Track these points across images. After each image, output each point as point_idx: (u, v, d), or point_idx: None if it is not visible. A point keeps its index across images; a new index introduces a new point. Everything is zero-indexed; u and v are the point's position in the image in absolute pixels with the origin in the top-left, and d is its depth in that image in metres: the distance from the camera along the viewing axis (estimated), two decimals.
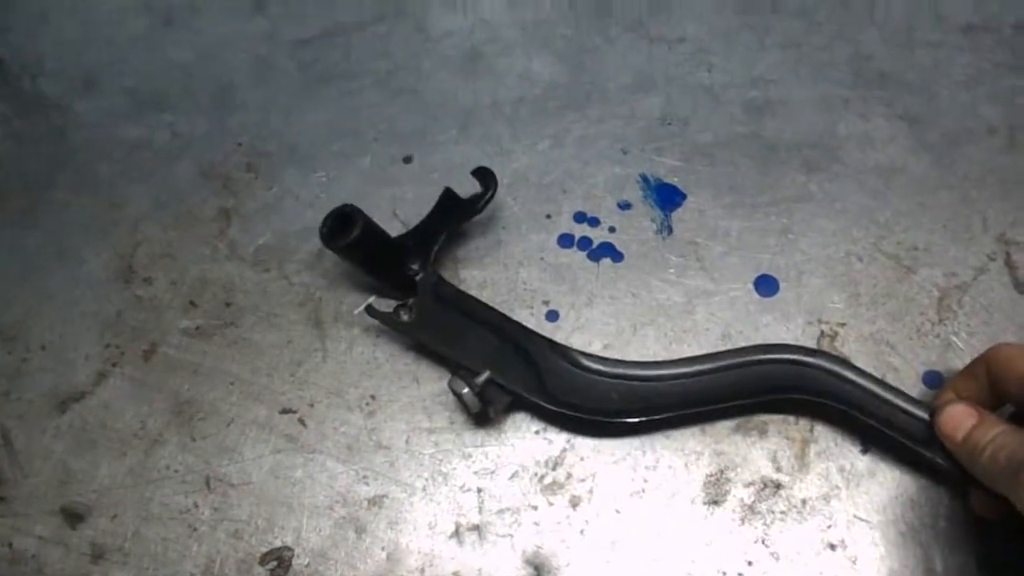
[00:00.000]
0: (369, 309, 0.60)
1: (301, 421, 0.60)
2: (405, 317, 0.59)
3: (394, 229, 0.62)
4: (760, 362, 0.54)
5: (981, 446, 0.46)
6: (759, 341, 0.59)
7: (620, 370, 0.55)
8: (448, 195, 0.62)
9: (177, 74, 0.76)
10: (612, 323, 0.61)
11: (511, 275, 0.63)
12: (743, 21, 0.72)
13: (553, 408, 0.56)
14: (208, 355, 0.63)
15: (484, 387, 0.55)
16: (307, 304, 0.64)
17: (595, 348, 0.60)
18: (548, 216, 0.66)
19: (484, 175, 0.61)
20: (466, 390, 0.55)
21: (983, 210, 0.63)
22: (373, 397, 0.60)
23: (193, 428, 0.60)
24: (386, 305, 0.61)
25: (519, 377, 0.56)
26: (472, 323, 0.58)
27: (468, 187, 0.62)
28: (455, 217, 0.61)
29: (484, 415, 0.58)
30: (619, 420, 0.56)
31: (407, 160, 0.69)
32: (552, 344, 0.56)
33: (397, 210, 0.67)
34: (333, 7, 0.77)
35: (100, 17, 0.79)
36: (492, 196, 0.61)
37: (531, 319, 0.61)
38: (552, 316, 0.62)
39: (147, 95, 0.75)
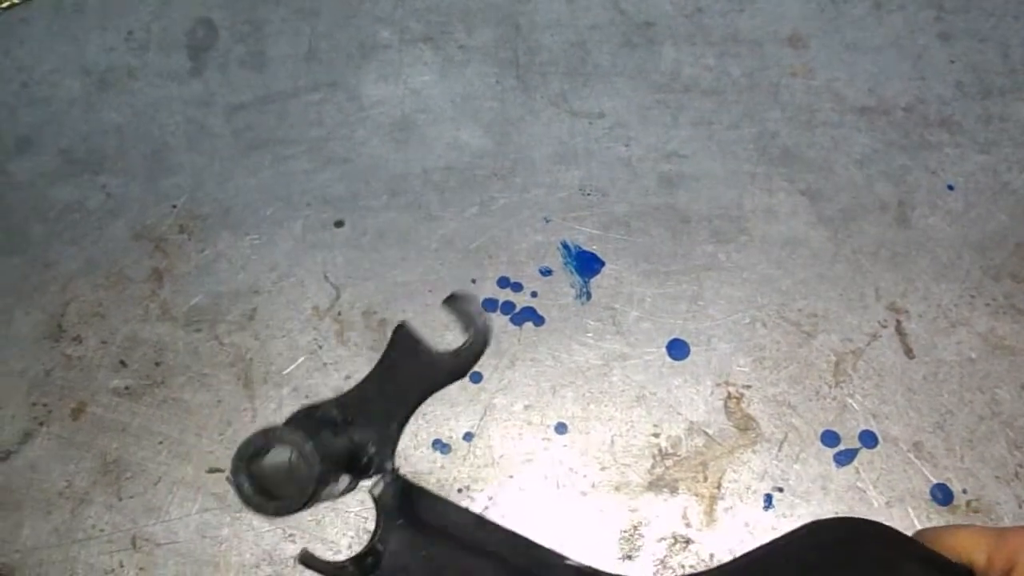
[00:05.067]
0: (306, 559, 0.37)
1: (229, 480, 0.61)
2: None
3: (324, 292, 0.65)
4: None
5: None
6: (671, 403, 0.63)
7: None
8: (405, 341, 0.39)
9: (112, 136, 0.77)
10: (533, 384, 0.64)
11: None
12: (658, 99, 0.77)
13: None
14: (137, 415, 0.64)
15: None
16: (237, 364, 0.65)
17: (517, 408, 0.63)
18: (473, 281, 0.69)
19: (463, 308, 0.38)
20: None
21: (876, 281, 0.68)
22: None
23: (120, 487, 0.61)
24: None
25: None
26: (464, 555, 0.38)
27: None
28: (421, 381, 0.38)
29: None
30: None
31: (338, 224, 0.72)
32: None
33: (328, 273, 0.69)
34: (268, 75, 0.80)
35: (37, 78, 0.80)
36: (482, 347, 0.38)
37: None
38: (476, 378, 0.64)
39: (81, 156, 0.76)
